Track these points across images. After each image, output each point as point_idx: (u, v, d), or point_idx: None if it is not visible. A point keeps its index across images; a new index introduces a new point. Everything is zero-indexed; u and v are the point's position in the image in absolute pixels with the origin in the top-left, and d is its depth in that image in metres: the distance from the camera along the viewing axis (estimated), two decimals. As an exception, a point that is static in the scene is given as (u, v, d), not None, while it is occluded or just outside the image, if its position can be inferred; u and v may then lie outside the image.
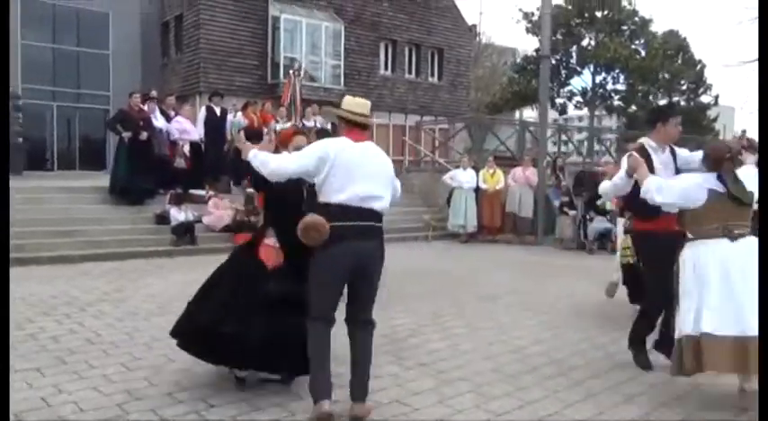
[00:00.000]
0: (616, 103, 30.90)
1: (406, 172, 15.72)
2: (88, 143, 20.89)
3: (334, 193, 3.39)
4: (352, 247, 3.38)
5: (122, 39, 20.52)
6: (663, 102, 45.91)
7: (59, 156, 20.35)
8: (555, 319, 6.10)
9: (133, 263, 8.70)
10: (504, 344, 5.12)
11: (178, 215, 9.95)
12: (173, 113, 11.22)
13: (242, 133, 5.08)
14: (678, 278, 3.97)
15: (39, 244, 8.90)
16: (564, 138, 18.04)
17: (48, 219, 9.68)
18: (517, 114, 34.70)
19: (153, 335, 5.07)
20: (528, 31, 29.46)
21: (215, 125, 11.31)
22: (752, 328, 3.55)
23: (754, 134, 12.71)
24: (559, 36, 29.82)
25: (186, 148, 10.82)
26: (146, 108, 10.56)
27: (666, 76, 29.74)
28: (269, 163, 3.56)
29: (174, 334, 3.97)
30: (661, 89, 40.65)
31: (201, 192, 10.76)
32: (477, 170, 12.42)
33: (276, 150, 4.08)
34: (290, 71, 12.56)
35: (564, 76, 30.78)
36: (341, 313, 3.65)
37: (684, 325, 3.81)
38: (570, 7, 29.36)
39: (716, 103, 46.07)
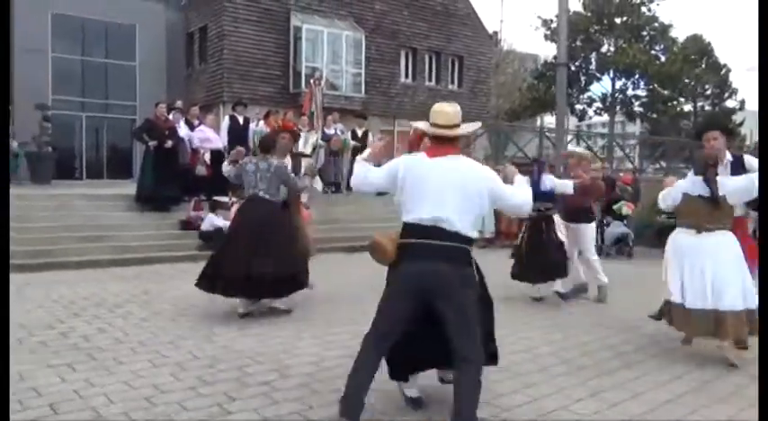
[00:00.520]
0: (636, 108, 30.71)
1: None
2: (115, 152, 21.38)
3: (405, 212, 3.36)
4: (417, 267, 3.26)
5: (148, 50, 21.00)
6: (687, 107, 45.74)
7: (88, 165, 20.85)
8: (567, 321, 6.21)
9: (158, 267, 8.97)
10: (515, 345, 5.25)
11: (216, 221, 10.09)
12: (197, 123, 11.53)
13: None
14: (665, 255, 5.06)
15: (68, 249, 9.21)
16: (586, 143, 18.07)
17: (77, 225, 10.01)
18: (538, 121, 34.75)
19: (178, 334, 5.30)
20: (546, 38, 29.55)
21: (238, 134, 11.58)
22: (722, 304, 4.57)
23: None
24: (579, 42, 29.80)
25: (207, 156, 11.10)
26: (171, 118, 10.86)
27: (687, 81, 29.50)
28: (360, 174, 3.62)
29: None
30: (684, 94, 40.35)
31: (225, 199, 11.01)
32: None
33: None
34: (311, 80, 12.80)
35: (583, 82, 30.71)
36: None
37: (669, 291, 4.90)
38: (589, 14, 29.33)
39: (741, 108, 45.59)
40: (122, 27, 20.77)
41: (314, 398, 3.91)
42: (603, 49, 29.80)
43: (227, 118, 12.16)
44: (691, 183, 4.83)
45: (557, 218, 7.06)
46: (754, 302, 4.56)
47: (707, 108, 46.49)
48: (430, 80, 25.13)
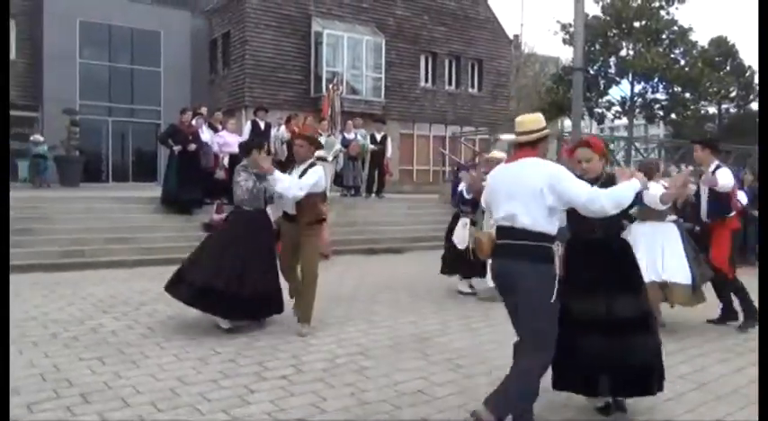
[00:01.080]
0: (656, 111, 30.55)
1: (443, 182, 16.04)
2: (140, 156, 21.88)
3: (494, 215, 3.66)
4: (497, 265, 3.56)
5: (173, 56, 21.48)
6: (711, 109, 45.28)
7: (114, 169, 21.37)
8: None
9: (182, 268, 9.24)
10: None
11: None
12: (220, 127, 11.84)
13: None
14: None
15: (96, 250, 9.55)
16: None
17: (104, 227, 10.35)
18: (559, 125, 34.68)
19: (201, 331, 5.56)
20: (565, 42, 29.53)
21: (259, 138, 11.85)
22: (668, 275, 5.71)
23: None
24: (598, 46, 29.74)
25: (226, 160, 11.39)
26: (194, 123, 11.18)
27: (709, 84, 29.28)
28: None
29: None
30: (707, 97, 39.99)
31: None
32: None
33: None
34: (330, 85, 13.06)
35: (603, 85, 30.64)
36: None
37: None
38: (608, 18, 29.28)
39: (767, 110, 44.88)
40: (148, 34, 21.27)
41: (328, 392, 4.13)
42: (623, 53, 29.69)
43: (248, 123, 12.45)
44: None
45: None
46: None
47: (732, 111, 46.00)
48: (450, 84, 25.30)
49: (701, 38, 46.37)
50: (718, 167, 6.07)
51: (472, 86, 25.83)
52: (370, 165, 13.78)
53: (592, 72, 30.18)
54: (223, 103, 21.36)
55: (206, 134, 11.31)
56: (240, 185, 5.59)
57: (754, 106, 45.71)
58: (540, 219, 3.38)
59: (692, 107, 35.39)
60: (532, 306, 3.39)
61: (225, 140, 11.61)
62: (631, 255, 3.96)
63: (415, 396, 4.13)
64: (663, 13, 28.79)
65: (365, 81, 22.17)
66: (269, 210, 5.83)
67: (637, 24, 28.95)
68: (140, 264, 9.29)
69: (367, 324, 6.02)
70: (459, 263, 7.56)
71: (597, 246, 3.80)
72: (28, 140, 18.17)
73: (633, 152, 19.06)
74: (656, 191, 5.03)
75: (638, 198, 3.78)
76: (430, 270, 9.18)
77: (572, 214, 3.65)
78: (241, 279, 5.36)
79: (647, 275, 5.36)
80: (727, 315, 6.29)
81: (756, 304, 5.75)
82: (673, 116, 31.65)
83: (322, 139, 11.89)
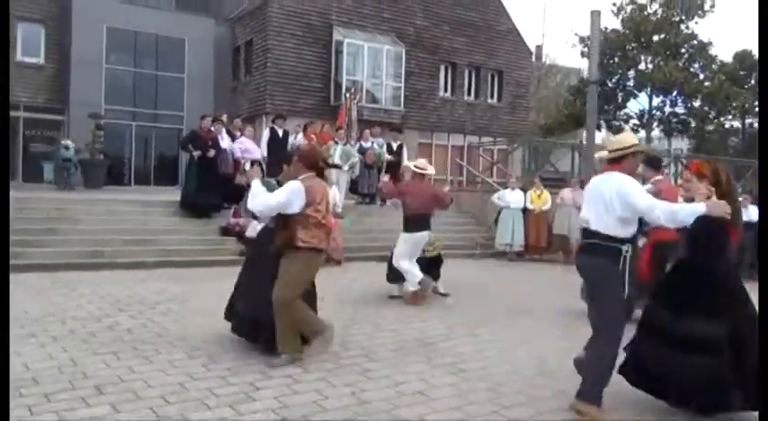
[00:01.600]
0: (674, 125, 30.42)
1: (458, 192, 16.17)
2: (163, 160, 22.27)
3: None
4: (578, 259, 4.23)
5: (197, 63, 21.87)
6: (736, 123, 44.87)
7: (136, 172, 21.78)
8: (580, 333, 6.44)
9: (199, 270, 9.49)
10: (526, 352, 5.55)
11: (259, 228, 10.57)
12: (238, 134, 12.10)
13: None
14: None
15: (116, 251, 9.83)
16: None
17: (125, 229, 10.64)
18: (582, 136, 34.61)
19: (212, 330, 5.74)
20: (583, 54, 29.52)
21: (277, 145, 12.12)
22: None
23: None
24: (616, 59, 29.67)
25: (247, 166, 11.64)
26: (213, 129, 11.45)
27: (728, 98, 29.09)
28: None
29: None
30: (729, 111, 39.63)
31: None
32: (524, 191, 12.79)
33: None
34: (347, 94, 13.27)
35: (621, 98, 30.55)
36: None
37: None
38: (627, 31, 29.23)
39: (792, 126, 44.39)
40: (172, 40, 21.69)
41: (330, 391, 4.30)
42: (641, 67, 29.62)
43: (267, 130, 12.70)
44: None
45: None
46: None
47: (755, 126, 45.53)
48: (469, 94, 25.41)
49: (727, 52, 45.65)
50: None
51: (491, 97, 25.91)
52: (386, 173, 13.92)
53: (610, 85, 30.07)
54: (244, 109, 21.73)
55: (225, 141, 11.57)
56: None
57: (780, 121, 45.16)
58: (610, 223, 3.93)
59: (714, 121, 35.11)
60: (598, 299, 4.06)
61: (246, 147, 11.87)
62: (732, 281, 4.20)
63: (413, 397, 4.28)
64: (682, 27, 28.71)
65: (385, 90, 22.38)
66: (255, 226, 6.05)
67: (656, 38, 28.86)
68: (158, 266, 9.53)
69: (373, 327, 6.18)
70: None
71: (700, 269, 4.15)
72: (54, 143, 18.63)
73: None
74: None
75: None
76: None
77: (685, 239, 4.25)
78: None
79: None
80: None
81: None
82: (688, 131, 31.45)
83: (339, 148, 12.13)
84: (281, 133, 12.35)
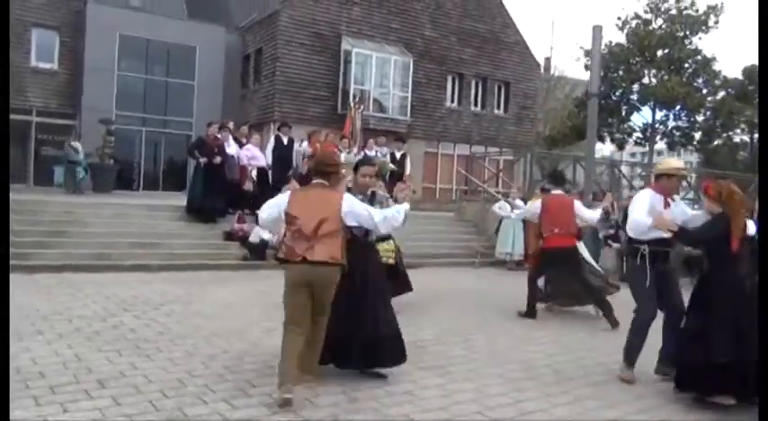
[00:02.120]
0: (678, 139, 30.62)
1: (460, 201, 16.35)
2: (171, 166, 22.60)
3: None
4: None
5: (207, 70, 22.22)
6: (744, 137, 44.91)
7: (145, 177, 22.11)
8: (570, 340, 6.62)
9: (203, 273, 9.71)
10: (515, 356, 5.72)
11: (262, 233, 10.80)
12: (245, 141, 12.35)
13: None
14: None
15: (123, 253, 10.08)
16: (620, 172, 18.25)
17: (132, 232, 10.90)
18: (604, 151, 34.75)
19: (213, 331, 5.97)
20: (587, 68, 29.77)
21: (282, 153, 12.35)
22: None
23: None
24: (621, 72, 29.88)
25: (254, 173, 11.90)
26: (220, 136, 11.71)
27: (730, 113, 29.30)
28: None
29: None
30: (740, 126, 39.70)
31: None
32: (525, 201, 12.94)
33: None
34: (352, 103, 13.51)
35: (624, 111, 30.75)
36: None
37: None
38: (631, 46, 29.46)
39: (801, 141, 44.45)
40: (183, 48, 22.07)
41: (322, 388, 4.48)
42: (645, 81, 29.85)
43: (272, 138, 12.94)
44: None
45: None
46: None
47: (764, 139, 45.49)
48: (476, 105, 25.61)
49: (736, 67, 45.75)
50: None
51: (498, 108, 26.11)
52: (389, 183, 14.13)
53: (614, 98, 30.25)
54: (253, 116, 22.02)
55: (231, 147, 11.82)
56: None
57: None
58: (630, 231, 5.11)
59: (723, 135, 35.22)
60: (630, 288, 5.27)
61: (253, 154, 12.13)
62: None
63: (402, 396, 4.46)
64: (686, 42, 28.96)
65: (392, 99, 22.62)
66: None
67: (659, 53, 29.10)
68: (163, 269, 9.76)
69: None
70: None
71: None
72: (65, 147, 18.94)
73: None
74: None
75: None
76: (438, 284, 9.53)
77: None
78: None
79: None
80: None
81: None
82: (695, 144, 31.67)
83: (342, 156, 12.33)
84: (285, 141, 12.58)
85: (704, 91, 29.13)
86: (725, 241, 4.55)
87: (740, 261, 4.69)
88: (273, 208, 4.52)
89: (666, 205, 5.12)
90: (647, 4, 29.92)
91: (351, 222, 4.41)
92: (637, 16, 30.09)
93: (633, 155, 56.22)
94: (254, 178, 12.04)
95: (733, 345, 4.43)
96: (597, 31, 11.70)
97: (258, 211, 4.78)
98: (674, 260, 5.73)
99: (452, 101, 24.97)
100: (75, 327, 5.84)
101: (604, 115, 29.50)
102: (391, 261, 7.05)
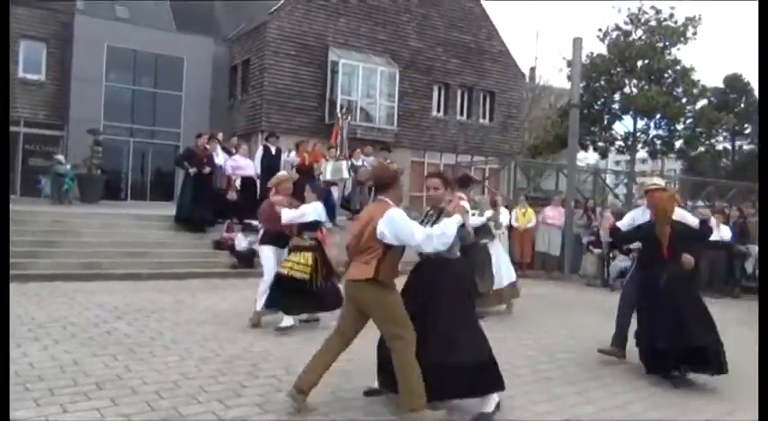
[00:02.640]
0: (659, 147, 31.20)
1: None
2: (159, 176, 22.70)
3: None
4: None
5: (194, 81, 22.39)
6: (726, 145, 45.64)
7: (133, 187, 22.19)
8: (547, 341, 6.85)
9: (193, 281, 9.85)
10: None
11: (243, 242, 11.01)
12: (234, 151, 12.53)
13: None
14: None
15: (113, 262, 10.20)
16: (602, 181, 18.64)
17: (122, 241, 11.03)
18: (589, 159, 35.23)
19: (204, 336, 6.13)
20: (569, 78, 30.36)
21: (270, 162, 12.53)
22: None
23: None
24: (602, 82, 30.40)
25: (238, 183, 12.07)
26: (208, 147, 11.87)
27: (708, 122, 30.00)
28: None
29: None
30: (723, 134, 40.40)
31: (256, 222, 11.92)
32: (509, 209, 13.21)
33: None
34: (339, 114, 13.74)
35: (606, 120, 31.28)
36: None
37: None
38: (612, 56, 30.00)
39: (782, 148, 45.34)
40: (171, 59, 22.23)
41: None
42: (626, 90, 30.42)
43: (260, 148, 13.12)
44: None
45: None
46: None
47: (745, 147, 46.40)
48: (461, 114, 25.93)
49: (715, 76, 46.68)
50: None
51: (483, 117, 26.44)
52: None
53: (596, 107, 30.74)
54: (241, 127, 22.19)
55: (220, 157, 11.99)
56: None
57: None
58: None
59: (705, 143, 35.79)
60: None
61: (238, 164, 12.29)
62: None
63: (388, 395, 4.64)
64: (666, 52, 29.55)
65: (378, 109, 22.88)
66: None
67: (640, 63, 29.67)
68: (154, 278, 9.89)
69: (358, 337, 6.53)
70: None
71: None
72: (51, 158, 18.97)
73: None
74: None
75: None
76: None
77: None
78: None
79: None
80: None
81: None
82: (676, 151, 32.30)
83: (330, 164, 12.56)
84: (273, 151, 12.76)
85: (683, 100, 29.69)
86: (652, 243, 5.58)
87: (661, 260, 5.52)
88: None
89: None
90: (628, 16, 30.49)
91: (390, 241, 4.09)
92: (617, 28, 30.66)
93: (618, 163, 56.85)
94: (238, 188, 12.20)
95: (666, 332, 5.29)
96: (577, 43, 12.04)
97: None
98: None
99: (438, 110, 25.27)
100: (71, 333, 5.99)
101: (587, 124, 29.92)
102: (300, 275, 6.47)
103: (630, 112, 30.05)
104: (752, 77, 47.10)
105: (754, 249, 11.90)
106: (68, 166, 17.20)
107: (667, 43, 29.25)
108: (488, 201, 8.78)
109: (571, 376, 5.48)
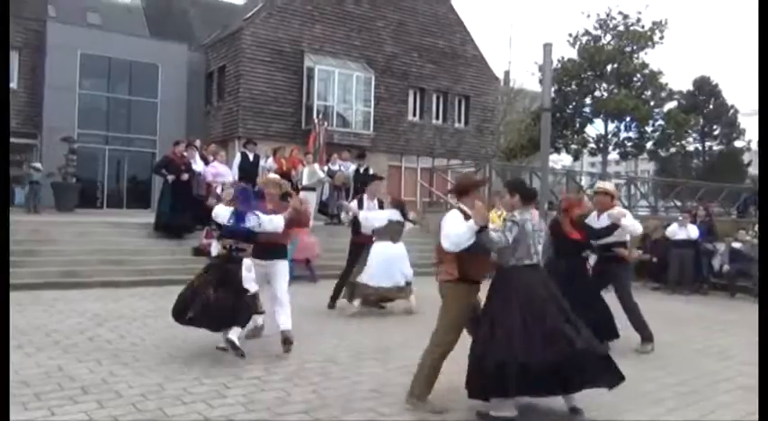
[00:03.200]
0: (629, 149, 31.91)
1: (423, 213, 16.79)
2: (135, 183, 22.57)
3: None
4: None
5: (170, 88, 22.35)
6: (696, 146, 46.58)
7: (109, 195, 22.05)
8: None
9: (173, 288, 9.70)
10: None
11: (213, 249, 11.10)
12: (211, 158, 12.61)
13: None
14: None
15: (92, 270, 10.22)
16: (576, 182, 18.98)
17: (100, 249, 11.04)
18: (564, 161, 35.69)
19: (187, 340, 6.22)
20: (541, 83, 30.95)
21: (248, 169, 12.64)
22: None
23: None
24: (574, 86, 31.00)
25: (219, 189, 12.13)
26: (186, 154, 11.95)
27: (678, 124, 30.82)
28: None
29: None
30: (692, 135, 41.22)
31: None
32: (485, 211, 13.44)
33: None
34: (315, 120, 13.89)
35: (578, 124, 31.89)
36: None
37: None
38: (582, 60, 30.62)
39: (749, 149, 46.51)
40: (146, 66, 22.15)
41: (294, 389, 4.81)
42: (597, 94, 31.09)
43: (238, 155, 13.22)
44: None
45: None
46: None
47: (715, 148, 47.45)
48: (437, 118, 26.20)
49: (682, 79, 47.73)
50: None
51: (459, 121, 26.75)
52: (354, 195, 14.52)
53: (568, 111, 31.31)
54: (217, 133, 22.21)
55: (198, 164, 12.06)
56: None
57: (738, 144, 47.26)
58: None
59: (676, 143, 36.55)
60: None
61: (218, 171, 12.38)
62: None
63: (368, 393, 4.81)
64: (635, 56, 30.27)
65: (355, 114, 23.05)
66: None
67: (609, 67, 30.33)
68: (133, 285, 9.93)
69: (337, 338, 6.70)
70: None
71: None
72: (24, 168, 18.81)
73: (633, 190, 19.99)
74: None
75: None
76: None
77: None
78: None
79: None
80: None
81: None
82: (646, 153, 33.02)
83: (306, 170, 12.70)
84: (251, 157, 12.87)
85: (652, 103, 30.40)
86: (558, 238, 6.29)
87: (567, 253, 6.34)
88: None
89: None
90: (597, 21, 31.12)
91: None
92: (587, 33, 31.30)
93: (593, 165, 57.75)
94: (220, 194, 12.26)
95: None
96: (547, 49, 12.23)
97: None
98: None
99: (414, 114, 25.52)
100: (54, 341, 6.05)
101: (559, 127, 30.49)
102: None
103: (601, 115, 30.70)
104: (720, 79, 48.06)
105: (721, 247, 12.28)
106: (40, 174, 17.05)
107: (635, 47, 29.98)
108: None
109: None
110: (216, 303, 5.41)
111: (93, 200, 21.27)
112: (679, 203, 18.98)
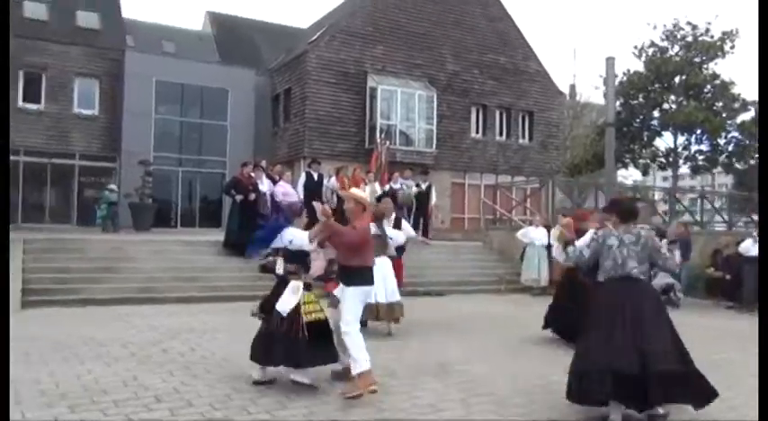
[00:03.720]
0: (701, 163, 30.76)
1: (487, 230, 16.76)
2: (207, 203, 23.48)
3: None
4: None
5: (238, 111, 23.26)
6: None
7: (182, 215, 23.00)
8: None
9: (241, 304, 10.15)
10: (535, 375, 6.11)
11: (279, 267, 11.42)
12: (278, 178, 13.02)
13: None
14: None
15: (166, 287, 10.71)
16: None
17: (174, 267, 11.57)
18: (634, 176, 34.93)
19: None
20: (605, 96, 30.38)
21: (313, 188, 12.98)
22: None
23: None
24: (641, 99, 30.22)
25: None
26: (253, 175, 12.39)
27: (753, 136, 29.55)
28: None
29: None
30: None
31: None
32: (548, 228, 13.32)
33: None
34: (377, 140, 14.14)
35: (646, 137, 31.01)
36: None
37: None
38: (649, 73, 29.86)
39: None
40: (216, 91, 23.15)
41: (355, 402, 4.94)
42: (665, 106, 30.20)
43: (303, 174, 13.60)
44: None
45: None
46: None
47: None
48: (500, 135, 26.10)
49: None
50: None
51: (523, 137, 26.55)
52: (416, 212, 14.68)
53: (635, 124, 30.53)
54: (284, 154, 22.86)
55: (264, 184, 12.48)
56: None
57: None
58: None
59: (755, 156, 35.13)
60: None
61: (286, 190, 12.77)
62: None
63: (425, 408, 4.90)
64: (704, 67, 29.31)
65: (417, 132, 23.26)
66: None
67: (677, 79, 29.47)
68: (204, 301, 10.35)
69: (397, 352, 6.83)
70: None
71: None
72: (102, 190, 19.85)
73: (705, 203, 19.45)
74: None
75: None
76: (465, 309, 9.95)
77: None
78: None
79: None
80: None
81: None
82: (720, 166, 31.75)
83: (367, 189, 12.91)
84: (315, 177, 13.22)
85: (724, 114, 29.28)
86: None
87: None
88: None
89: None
90: (663, 33, 30.33)
91: None
92: (653, 44, 30.53)
93: (665, 179, 55.97)
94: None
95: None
96: (610, 62, 12.21)
97: None
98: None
99: (477, 131, 25.52)
100: (130, 352, 6.42)
101: (626, 141, 29.72)
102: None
103: (670, 128, 29.79)
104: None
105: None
106: (116, 195, 17.94)
107: (704, 58, 29.04)
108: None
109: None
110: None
111: (168, 219, 22.21)
112: (756, 218, 18.21)
